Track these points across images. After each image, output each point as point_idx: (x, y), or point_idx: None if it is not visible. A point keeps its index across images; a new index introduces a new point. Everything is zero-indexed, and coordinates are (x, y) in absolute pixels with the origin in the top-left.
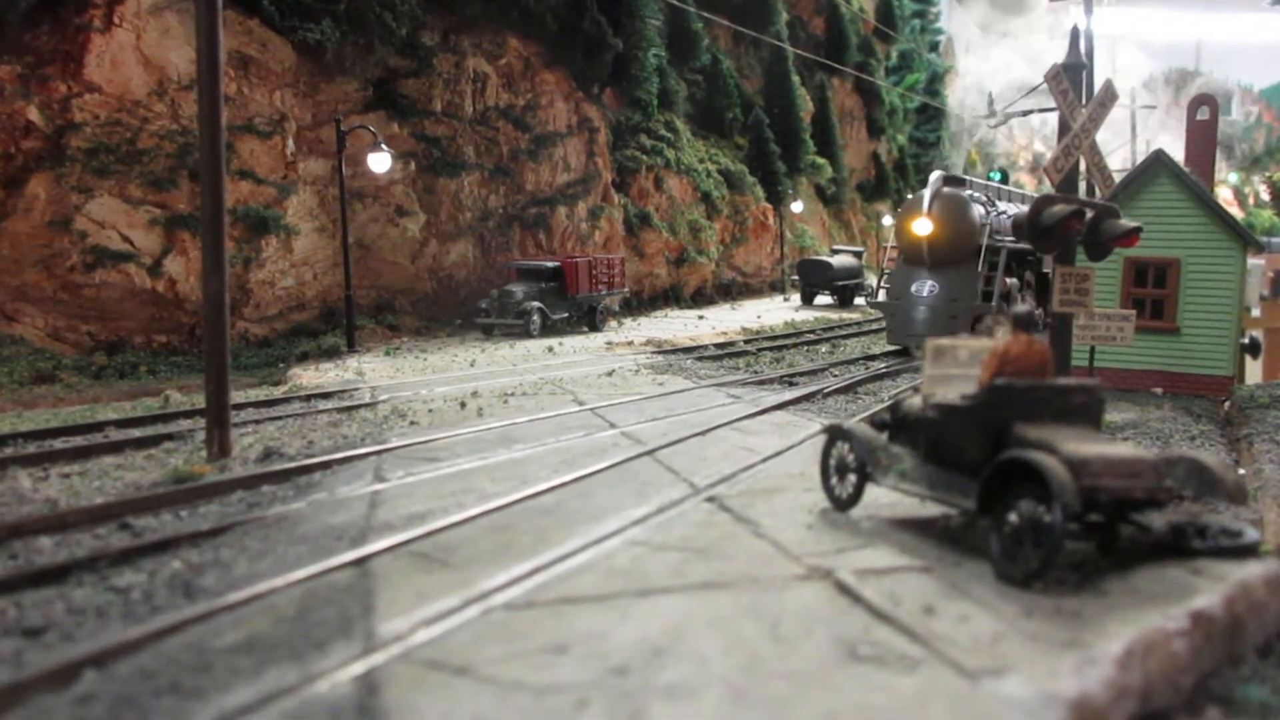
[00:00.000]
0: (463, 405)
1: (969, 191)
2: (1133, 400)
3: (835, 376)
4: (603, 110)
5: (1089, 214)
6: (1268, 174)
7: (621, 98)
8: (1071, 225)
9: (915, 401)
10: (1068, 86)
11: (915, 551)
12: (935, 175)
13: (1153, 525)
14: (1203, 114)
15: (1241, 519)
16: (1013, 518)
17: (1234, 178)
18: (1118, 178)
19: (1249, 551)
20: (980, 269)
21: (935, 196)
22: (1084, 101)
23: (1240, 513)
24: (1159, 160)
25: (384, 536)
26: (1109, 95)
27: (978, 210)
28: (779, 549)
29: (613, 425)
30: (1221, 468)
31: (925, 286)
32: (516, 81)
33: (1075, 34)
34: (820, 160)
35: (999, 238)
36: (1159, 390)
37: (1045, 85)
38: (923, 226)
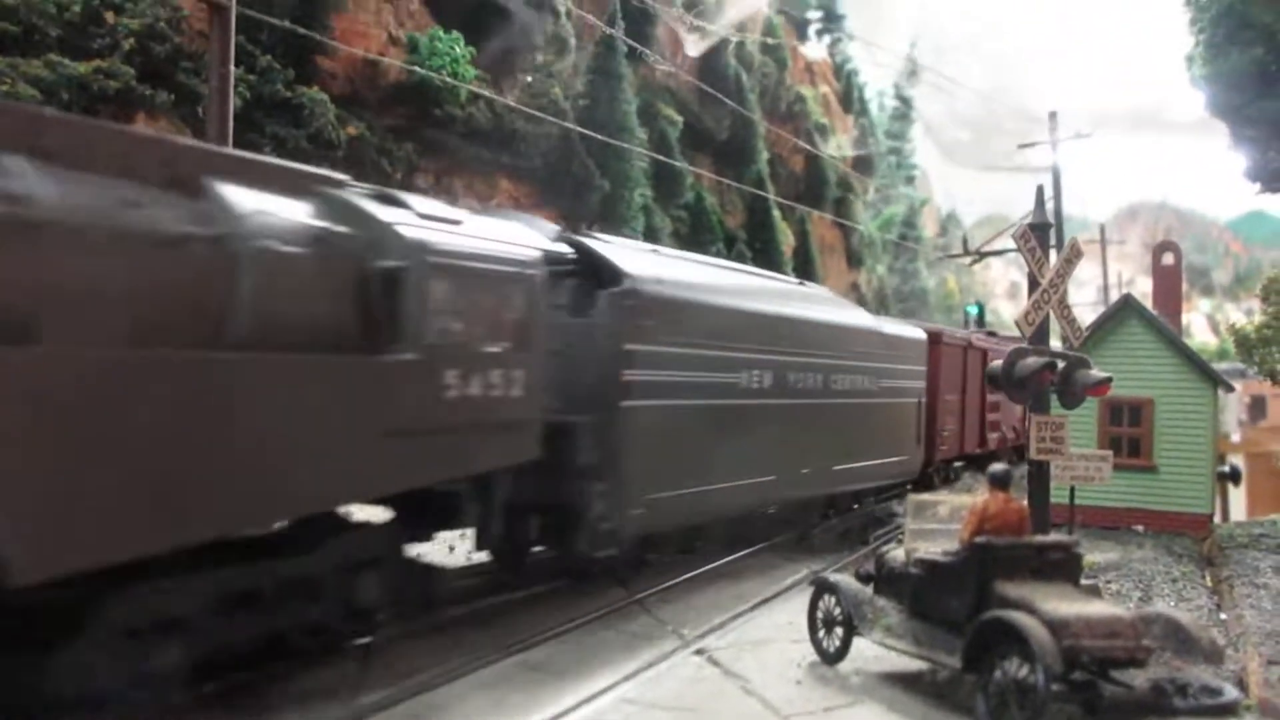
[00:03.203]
0: None
1: None
2: (1115, 539)
3: None
4: None
5: (1061, 365)
6: (1232, 324)
7: (608, 234)
8: (1045, 377)
9: (899, 555)
10: (1035, 245)
11: (903, 709)
12: None
13: (1134, 684)
14: (1167, 259)
15: (1223, 674)
16: (998, 676)
17: (1206, 305)
18: (1088, 310)
19: (1229, 711)
20: None
21: None
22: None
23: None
24: (1128, 304)
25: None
26: (1075, 253)
27: None
28: (768, 707)
29: None
30: (1197, 627)
31: None
32: None
33: (1040, 194)
34: None
35: None
36: (1140, 528)
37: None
38: None
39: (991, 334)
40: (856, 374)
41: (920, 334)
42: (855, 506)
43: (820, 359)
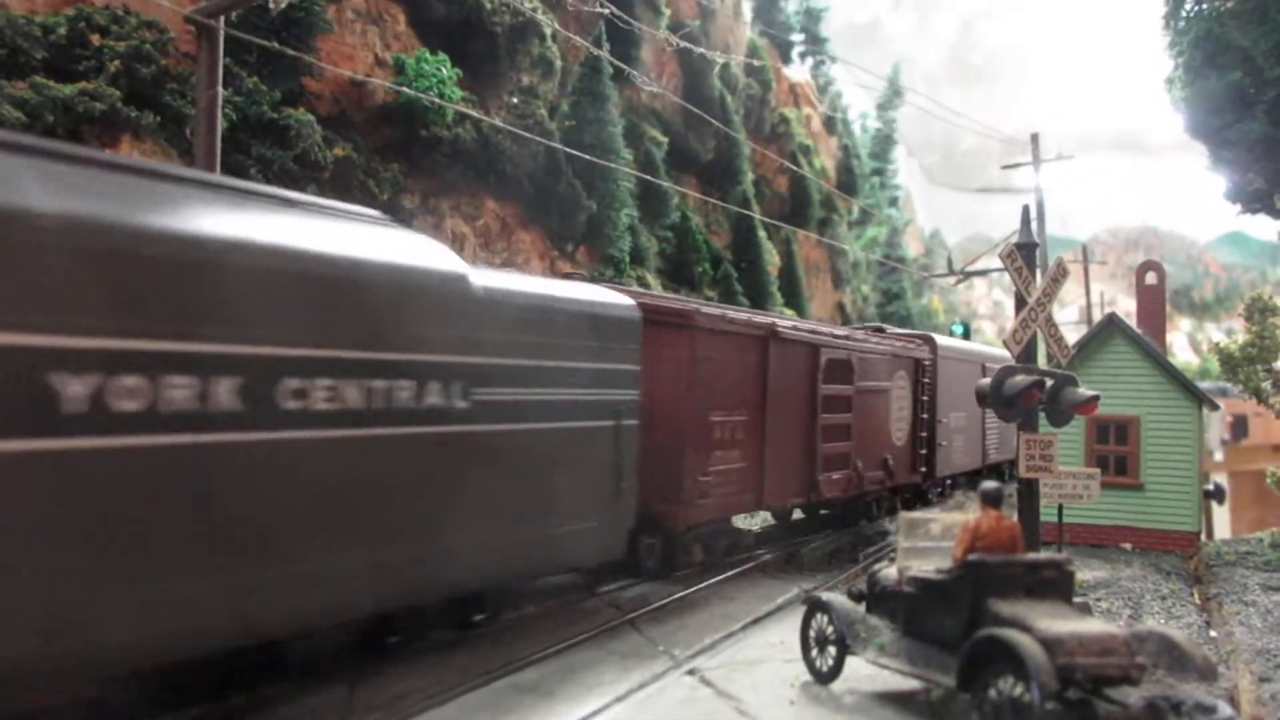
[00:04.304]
0: None
1: None
2: (1103, 557)
3: None
4: (577, 266)
5: (1049, 383)
6: (1216, 343)
7: (595, 255)
8: (1033, 395)
9: (891, 573)
10: (1022, 264)
11: None
12: None
13: (1129, 702)
14: (1150, 279)
15: (1216, 691)
16: (992, 695)
17: (1187, 325)
18: (1070, 330)
19: None
20: None
21: None
22: (1040, 264)
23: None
24: (1112, 322)
25: (365, 717)
26: (1062, 272)
27: None
28: None
29: None
30: (1191, 645)
31: None
32: (493, 240)
33: (1026, 214)
34: (788, 311)
35: None
36: (1128, 546)
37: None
38: None
39: (879, 329)
40: (405, 378)
41: (625, 305)
42: (481, 617)
43: (261, 348)
